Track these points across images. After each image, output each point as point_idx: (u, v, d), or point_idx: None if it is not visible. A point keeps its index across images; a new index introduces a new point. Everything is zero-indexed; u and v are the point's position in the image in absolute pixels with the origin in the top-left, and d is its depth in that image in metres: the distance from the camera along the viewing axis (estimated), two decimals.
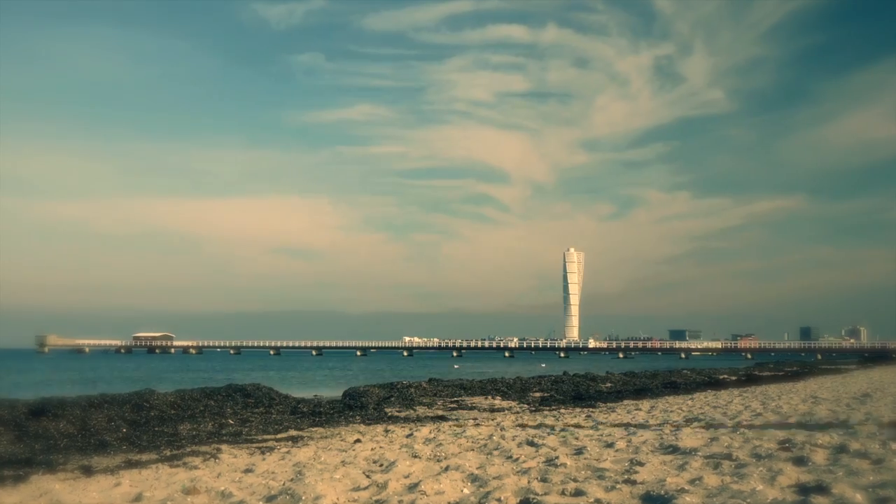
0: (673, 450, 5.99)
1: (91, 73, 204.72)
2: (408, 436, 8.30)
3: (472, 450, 6.69)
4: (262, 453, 6.97)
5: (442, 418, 10.91)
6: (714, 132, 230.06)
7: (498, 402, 14.79)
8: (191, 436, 8.47)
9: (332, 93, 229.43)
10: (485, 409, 12.90)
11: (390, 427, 9.56)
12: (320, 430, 9.36)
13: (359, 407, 12.48)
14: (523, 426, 9.12)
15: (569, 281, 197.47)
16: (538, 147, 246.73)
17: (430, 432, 8.60)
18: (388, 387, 16.99)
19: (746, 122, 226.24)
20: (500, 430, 8.68)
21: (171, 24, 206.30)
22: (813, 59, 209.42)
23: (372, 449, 7.03)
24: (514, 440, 7.34)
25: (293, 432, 9.01)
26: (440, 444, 7.26)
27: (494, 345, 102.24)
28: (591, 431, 8.05)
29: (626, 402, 14.33)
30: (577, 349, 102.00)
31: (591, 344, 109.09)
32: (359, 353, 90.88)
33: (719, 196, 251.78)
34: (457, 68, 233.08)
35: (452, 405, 13.78)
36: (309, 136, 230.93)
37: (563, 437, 7.53)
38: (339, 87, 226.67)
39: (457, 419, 10.81)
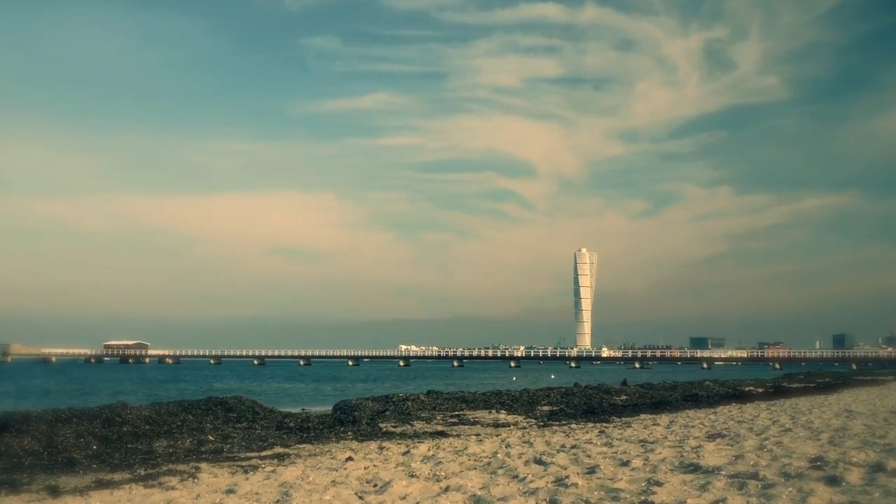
0: (694, 468, 5.99)
1: (80, 55, 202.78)
2: (404, 453, 8.30)
3: (475, 468, 6.68)
4: (245, 472, 6.97)
5: (442, 434, 10.91)
6: (764, 122, 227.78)
7: (503, 416, 14.79)
8: (167, 453, 8.47)
9: (345, 80, 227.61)
10: (488, 424, 12.90)
11: (385, 444, 9.56)
12: (308, 446, 9.35)
13: (351, 422, 12.47)
14: (530, 443, 9.12)
15: (580, 284, 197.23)
16: (569, 138, 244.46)
17: (429, 449, 8.60)
18: (383, 400, 16.98)
19: (800, 112, 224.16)
20: (506, 446, 8.68)
21: (174, 1, 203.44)
22: (875, 43, 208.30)
23: (365, 468, 7.03)
24: (520, 458, 7.34)
25: (279, 449, 9.01)
26: (440, 462, 7.26)
27: (499, 353, 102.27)
28: (604, 448, 8.05)
29: (642, 416, 14.32)
30: (588, 358, 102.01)
31: (605, 353, 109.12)
32: (350, 363, 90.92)
33: (763, 192, 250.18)
34: (483, 52, 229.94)
35: (453, 420, 13.79)
36: (316, 127, 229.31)
37: (574, 454, 7.53)
38: (353, 74, 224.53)
39: (458, 435, 10.81)
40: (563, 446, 8.53)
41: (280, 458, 8.20)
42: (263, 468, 7.27)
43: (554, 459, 7.05)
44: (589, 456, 7.31)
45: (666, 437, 9.11)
